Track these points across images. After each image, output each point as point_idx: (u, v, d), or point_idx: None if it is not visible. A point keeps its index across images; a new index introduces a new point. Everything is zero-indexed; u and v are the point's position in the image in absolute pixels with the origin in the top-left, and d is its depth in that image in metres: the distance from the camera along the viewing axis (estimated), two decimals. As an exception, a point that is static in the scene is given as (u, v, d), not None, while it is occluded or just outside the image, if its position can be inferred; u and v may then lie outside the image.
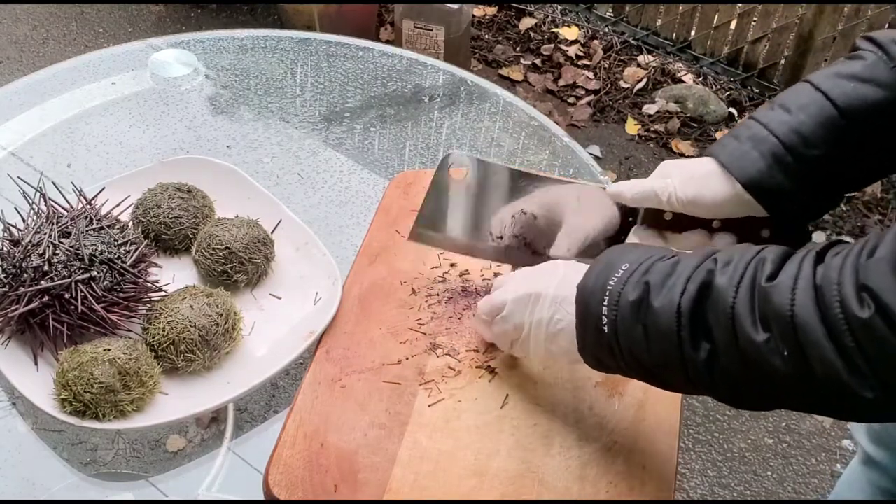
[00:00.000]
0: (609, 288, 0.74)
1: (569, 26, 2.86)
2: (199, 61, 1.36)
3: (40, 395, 0.85)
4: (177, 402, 0.87)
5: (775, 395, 0.68)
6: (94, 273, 0.88)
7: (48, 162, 1.18)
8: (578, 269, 0.79)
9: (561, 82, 2.71)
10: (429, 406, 0.87)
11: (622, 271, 0.74)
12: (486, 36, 2.86)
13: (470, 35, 2.66)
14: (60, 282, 0.86)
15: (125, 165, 1.18)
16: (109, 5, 2.85)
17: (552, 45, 2.81)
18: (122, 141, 1.23)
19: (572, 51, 2.79)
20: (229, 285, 0.97)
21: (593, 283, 0.75)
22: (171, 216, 1.00)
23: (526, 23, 2.88)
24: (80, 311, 0.87)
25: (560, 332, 0.80)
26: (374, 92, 1.36)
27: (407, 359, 0.91)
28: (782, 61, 2.60)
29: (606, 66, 2.76)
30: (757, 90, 2.68)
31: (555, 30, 2.86)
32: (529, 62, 2.78)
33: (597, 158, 2.43)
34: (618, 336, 0.73)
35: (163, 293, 0.93)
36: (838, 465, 1.84)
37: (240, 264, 0.96)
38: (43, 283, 0.86)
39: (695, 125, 2.60)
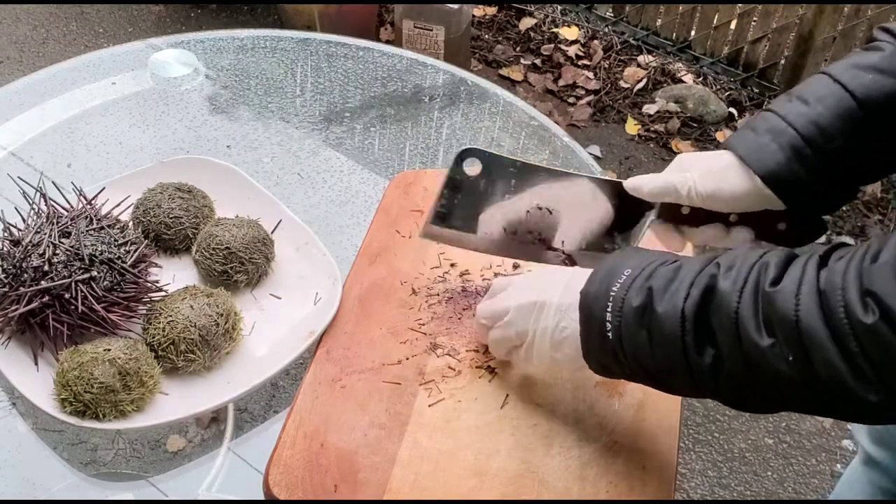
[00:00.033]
0: (612, 293, 0.73)
1: (569, 26, 2.86)
2: (199, 61, 1.36)
3: (40, 395, 0.85)
4: (177, 402, 0.87)
5: (780, 399, 0.68)
6: (95, 273, 0.88)
7: (48, 162, 1.18)
8: (582, 275, 0.79)
9: (561, 82, 2.71)
10: (429, 406, 0.87)
11: (625, 276, 0.73)
12: (486, 36, 2.86)
13: (470, 35, 2.66)
14: (60, 282, 0.86)
15: (125, 165, 1.18)
16: (109, 5, 2.85)
17: (552, 45, 2.81)
18: (122, 141, 1.23)
19: (572, 51, 2.79)
20: (229, 285, 0.97)
21: (596, 289, 0.75)
22: (171, 216, 1.00)
23: (526, 23, 2.88)
24: (80, 311, 0.87)
25: (565, 339, 0.79)
26: (374, 92, 1.36)
27: (407, 359, 0.91)
28: (782, 61, 2.60)
29: (606, 66, 2.76)
30: (757, 90, 2.68)
31: (555, 30, 2.86)
32: (529, 62, 2.78)
33: (597, 158, 2.43)
34: (622, 342, 0.73)
35: (163, 293, 0.93)
36: (839, 466, 1.84)
37: (240, 264, 0.96)
38: (43, 283, 0.86)
39: (695, 125, 2.60)
